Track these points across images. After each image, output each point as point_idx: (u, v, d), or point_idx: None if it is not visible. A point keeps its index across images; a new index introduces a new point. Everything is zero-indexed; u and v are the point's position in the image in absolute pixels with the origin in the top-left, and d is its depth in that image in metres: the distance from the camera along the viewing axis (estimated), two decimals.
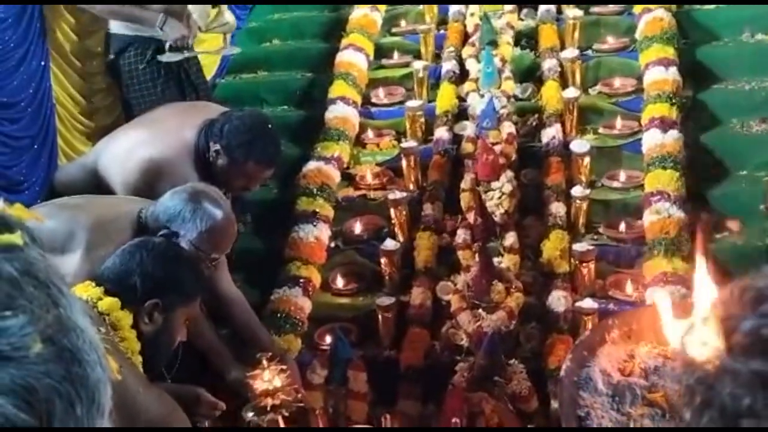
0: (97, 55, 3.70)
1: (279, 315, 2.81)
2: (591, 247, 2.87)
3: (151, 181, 2.50)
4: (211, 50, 3.74)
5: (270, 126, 2.70)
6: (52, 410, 0.50)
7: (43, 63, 3.43)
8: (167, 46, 3.15)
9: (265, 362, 2.40)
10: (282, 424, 2.38)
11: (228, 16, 3.43)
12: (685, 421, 0.69)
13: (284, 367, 2.43)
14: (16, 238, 0.54)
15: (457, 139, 3.44)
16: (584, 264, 2.83)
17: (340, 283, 3.08)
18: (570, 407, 1.56)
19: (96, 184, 2.59)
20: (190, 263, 1.92)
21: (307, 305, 2.92)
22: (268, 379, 2.36)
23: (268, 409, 2.34)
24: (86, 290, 1.78)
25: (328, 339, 2.79)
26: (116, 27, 3.23)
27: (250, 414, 2.39)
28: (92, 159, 2.74)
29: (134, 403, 1.68)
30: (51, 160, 3.40)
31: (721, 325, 0.71)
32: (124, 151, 2.61)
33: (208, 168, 2.60)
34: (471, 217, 3.00)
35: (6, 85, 3.22)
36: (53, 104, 3.50)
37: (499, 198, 3.00)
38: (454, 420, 2.20)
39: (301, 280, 2.96)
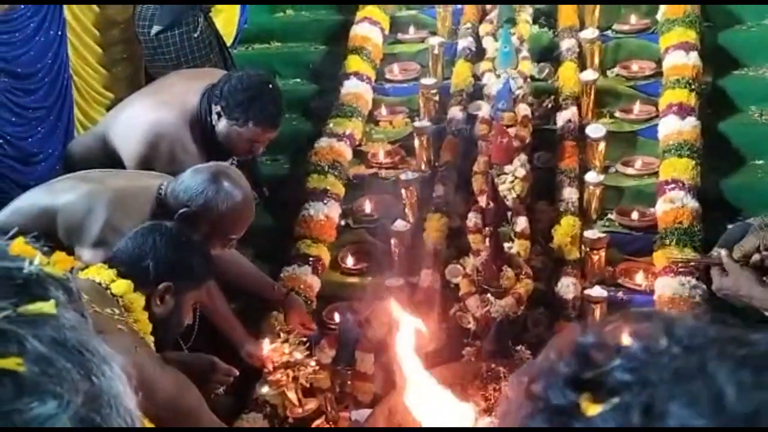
0: (116, 25, 3.68)
1: None
2: (602, 235, 2.86)
3: (151, 148, 2.51)
4: None
5: (270, 86, 2.65)
6: None
7: (60, 32, 3.40)
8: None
9: (283, 335, 2.43)
10: (300, 395, 2.41)
11: None
12: None
13: (303, 339, 2.46)
14: (48, 306, 0.51)
15: (471, 118, 3.41)
16: (595, 251, 2.83)
17: (349, 262, 3.09)
18: None
19: (107, 154, 2.61)
20: (200, 248, 1.94)
21: (316, 283, 2.94)
22: (288, 352, 2.39)
23: (290, 380, 2.37)
24: (99, 273, 1.80)
25: (337, 317, 2.82)
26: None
27: (264, 389, 2.43)
28: (102, 129, 2.75)
29: (152, 382, 1.72)
30: (67, 132, 3.39)
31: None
32: (128, 118, 2.62)
33: (210, 134, 2.59)
34: (483, 200, 2.99)
35: (22, 55, 3.20)
36: (70, 75, 3.48)
37: (512, 182, 2.99)
38: None
39: (311, 259, 2.98)
